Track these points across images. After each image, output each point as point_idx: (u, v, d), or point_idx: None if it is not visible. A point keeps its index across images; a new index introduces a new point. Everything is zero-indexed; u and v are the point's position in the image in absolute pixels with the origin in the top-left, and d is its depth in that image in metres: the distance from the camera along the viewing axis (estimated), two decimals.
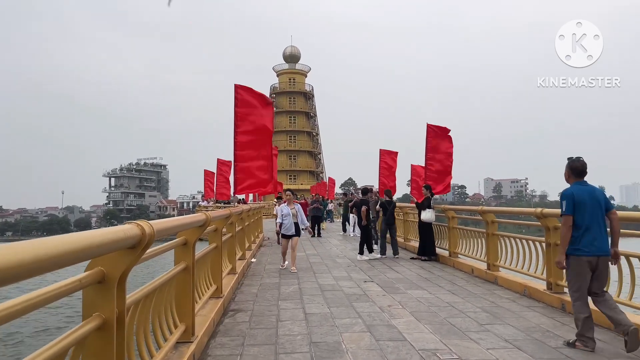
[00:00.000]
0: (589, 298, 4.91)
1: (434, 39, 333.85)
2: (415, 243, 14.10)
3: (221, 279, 6.79)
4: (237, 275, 8.52)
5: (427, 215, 11.69)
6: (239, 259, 10.01)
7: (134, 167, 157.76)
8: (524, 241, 8.05)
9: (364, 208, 12.18)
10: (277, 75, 76.27)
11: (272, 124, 9.32)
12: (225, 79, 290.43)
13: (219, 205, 24.44)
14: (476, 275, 9.51)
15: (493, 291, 7.97)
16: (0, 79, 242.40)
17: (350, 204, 20.85)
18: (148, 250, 2.88)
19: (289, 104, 74.06)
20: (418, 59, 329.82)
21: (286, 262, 10.55)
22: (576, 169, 5.06)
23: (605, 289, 4.90)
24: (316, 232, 19.71)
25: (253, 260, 11.95)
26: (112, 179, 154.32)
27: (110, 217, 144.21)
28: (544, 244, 7.33)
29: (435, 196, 12.39)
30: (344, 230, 20.68)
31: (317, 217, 20.68)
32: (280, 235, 11.13)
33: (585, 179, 5.04)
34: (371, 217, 15.70)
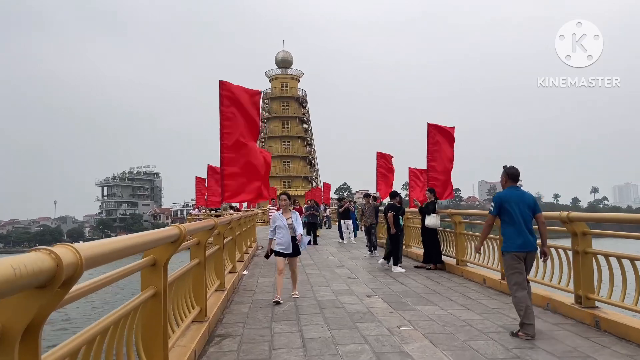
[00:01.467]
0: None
1: (429, 38, 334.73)
2: (417, 250, 13.27)
3: (205, 300, 5.91)
4: (226, 291, 7.63)
5: (432, 220, 10.87)
6: (229, 272, 9.13)
7: (127, 175, 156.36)
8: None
9: (390, 214, 11.26)
10: (270, 81, 75.50)
11: (259, 121, 8.50)
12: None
13: (211, 213, 23.50)
14: (489, 286, 8.68)
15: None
16: None
17: (340, 210, 20.09)
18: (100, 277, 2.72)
19: (282, 109, 73.28)
20: (415, 57, 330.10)
21: (279, 296, 7.58)
22: (512, 174, 5.90)
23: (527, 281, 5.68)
24: (312, 239, 18.92)
25: (245, 272, 11.07)
26: (105, 188, 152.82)
27: (103, 226, 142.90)
28: (569, 252, 6.52)
29: (439, 201, 11.56)
30: (342, 237, 19.84)
31: (312, 224, 19.84)
32: (270, 252, 8.05)
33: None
34: (370, 222, 14.97)
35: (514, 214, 5.60)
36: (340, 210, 20.30)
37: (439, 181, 12.01)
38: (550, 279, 7.07)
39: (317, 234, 20.97)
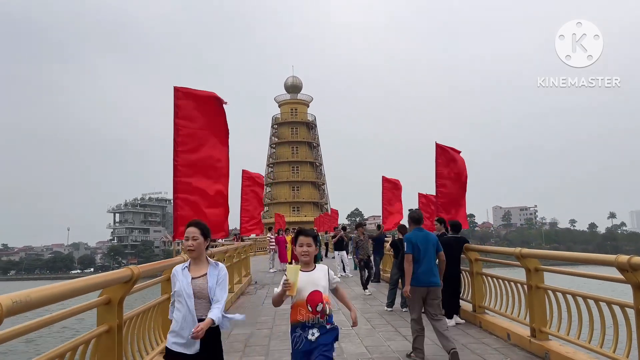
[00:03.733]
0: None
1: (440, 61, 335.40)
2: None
3: None
4: None
5: (443, 257, 9.09)
6: None
7: (139, 202, 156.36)
8: (590, 301, 5.46)
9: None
10: (279, 106, 74.76)
11: (227, 137, 6.94)
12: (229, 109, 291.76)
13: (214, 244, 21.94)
14: (514, 344, 6.85)
15: None
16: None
17: (334, 240, 18.38)
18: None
19: (291, 135, 72.24)
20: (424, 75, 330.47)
21: None
22: (414, 218, 6.61)
23: (442, 314, 6.45)
24: None
25: None
26: (117, 215, 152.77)
27: (114, 253, 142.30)
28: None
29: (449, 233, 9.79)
30: (344, 270, 18.05)
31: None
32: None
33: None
34: (367, 255, 13.17)
35: (421, 253, 6.24)
36: (334, 240, 18.59)
37: (448, 207, 10.31)
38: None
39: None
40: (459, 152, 10.51)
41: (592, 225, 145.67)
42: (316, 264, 3.78)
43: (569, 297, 5.77)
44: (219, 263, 3.75)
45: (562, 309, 5.95)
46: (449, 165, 10.24)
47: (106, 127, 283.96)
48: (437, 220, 9.48)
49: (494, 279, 8.09)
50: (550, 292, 6.18)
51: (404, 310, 9.71)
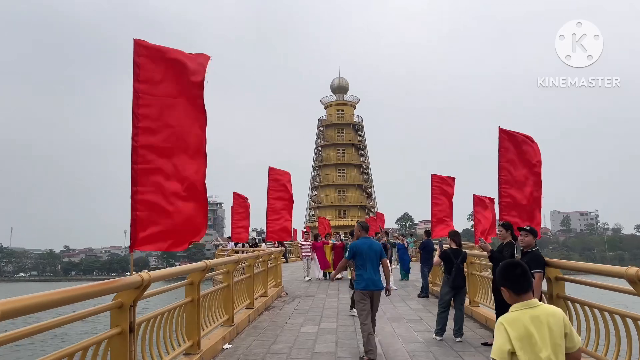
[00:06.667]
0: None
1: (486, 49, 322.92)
2: (486, 310, 9.24)
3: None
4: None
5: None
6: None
7: None
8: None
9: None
10: (325, 108, 73.15)
11: (205, 113, 5.09)
12: (275, 114, 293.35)
13: (237, 249, 20.32)
14: None
15: None
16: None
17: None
18: None
19: (337, 137, 70.37)
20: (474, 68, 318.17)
21: None
22: (363, 227, 7.35)
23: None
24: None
25: (226, 346, 7.57)
26: None
27: (167, 256, 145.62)
28: None
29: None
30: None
31: None
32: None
33: None
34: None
35: (365, 259, 6.90)
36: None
37: (516, 209, 8.03)
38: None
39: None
40: (531, 138, 8.22)
41: None
42: None
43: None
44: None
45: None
46: (518, 155, 7.99)
47: None
48: (502, 225, 7.27)
49: (589, 309, 5.82)
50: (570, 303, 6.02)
51: (437, 338, 7.78)
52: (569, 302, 6.10)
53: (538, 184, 7.81)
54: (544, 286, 6.34)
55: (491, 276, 7.59)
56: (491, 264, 7.57)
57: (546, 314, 2.57)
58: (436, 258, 8.75)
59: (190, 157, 4.93)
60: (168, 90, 4.80)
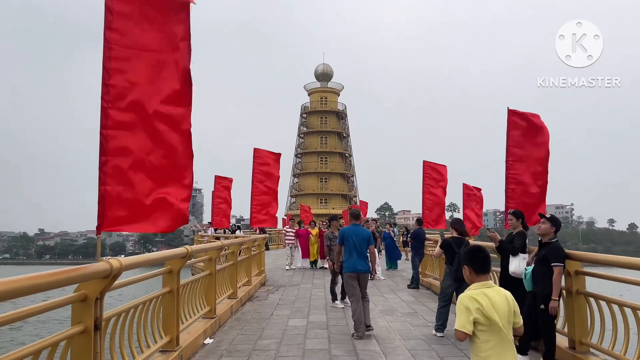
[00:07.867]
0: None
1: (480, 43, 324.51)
2: None
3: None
4: None
5: (522, 265, 6.28)
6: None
7: None
8: None
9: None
10: (309, 94, 72.13)
11: (189, 61, 4.29)
12: (267, 100, 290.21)
13: (217, 235, 19.48)
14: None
15: None
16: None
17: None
18: None
19: (320, 124, 69.53)
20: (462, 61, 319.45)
21: None
22: (353, 214, 7.88)
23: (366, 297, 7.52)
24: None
25: (208, 341, 6.85)
26: None
27: (145, 241, 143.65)
28: None
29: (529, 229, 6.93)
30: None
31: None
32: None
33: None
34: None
35: (351, 244, 7.43)
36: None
37: (528, 195, 7.46)
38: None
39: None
40: (538, 117, 7.64)
41: (632, 226, 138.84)
42: None
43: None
44: None
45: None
46: (528, 137, 7.40)
47: None
48: (512, 213, 6.67)
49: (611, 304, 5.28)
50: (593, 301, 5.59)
51: (438, 334, 7.22)
52: (592, 299, 5.55)
53: (543, 167, 7.30)
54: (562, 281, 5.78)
55: (497, 269, 6.94)
56: (499, 255, 6.91)
57: (500, 293, 3.12)
58: (437, 249, 8.15)
59: (171, 127, 4.15)
60: (144, 39, 4.00)
